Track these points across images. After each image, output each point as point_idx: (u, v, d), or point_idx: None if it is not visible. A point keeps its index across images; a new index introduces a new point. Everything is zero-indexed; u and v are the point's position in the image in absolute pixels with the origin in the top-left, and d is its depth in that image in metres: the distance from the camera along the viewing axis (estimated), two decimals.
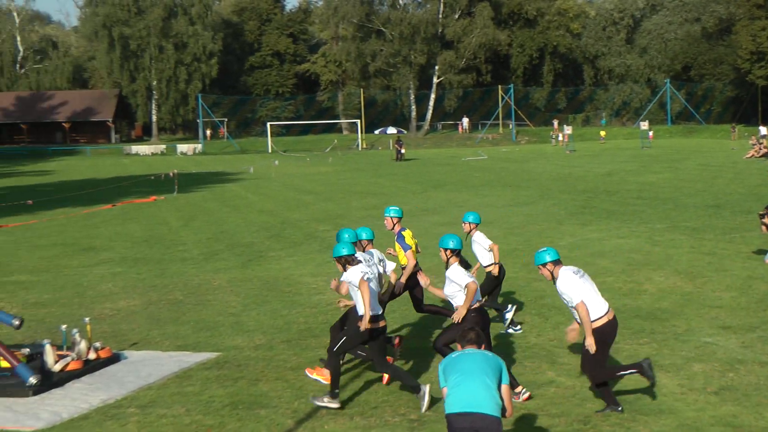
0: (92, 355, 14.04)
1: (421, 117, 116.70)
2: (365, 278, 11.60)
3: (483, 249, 15.51)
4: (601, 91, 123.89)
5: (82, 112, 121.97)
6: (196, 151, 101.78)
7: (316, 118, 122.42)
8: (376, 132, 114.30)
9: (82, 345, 14.02)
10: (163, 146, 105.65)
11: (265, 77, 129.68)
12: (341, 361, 12.13)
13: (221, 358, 14.32)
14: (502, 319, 15.41)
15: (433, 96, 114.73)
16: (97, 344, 14.25)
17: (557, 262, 11.19)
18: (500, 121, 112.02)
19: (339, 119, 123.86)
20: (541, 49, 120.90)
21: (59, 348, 14.28)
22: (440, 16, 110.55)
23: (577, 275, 11.04)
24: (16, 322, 13.52)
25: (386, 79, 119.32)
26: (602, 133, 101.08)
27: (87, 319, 14.61)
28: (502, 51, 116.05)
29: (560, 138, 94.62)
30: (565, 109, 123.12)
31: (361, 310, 11.66)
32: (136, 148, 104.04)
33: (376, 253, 14.05)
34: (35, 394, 12.67)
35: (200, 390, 12.65)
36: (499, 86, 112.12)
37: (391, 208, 15.52)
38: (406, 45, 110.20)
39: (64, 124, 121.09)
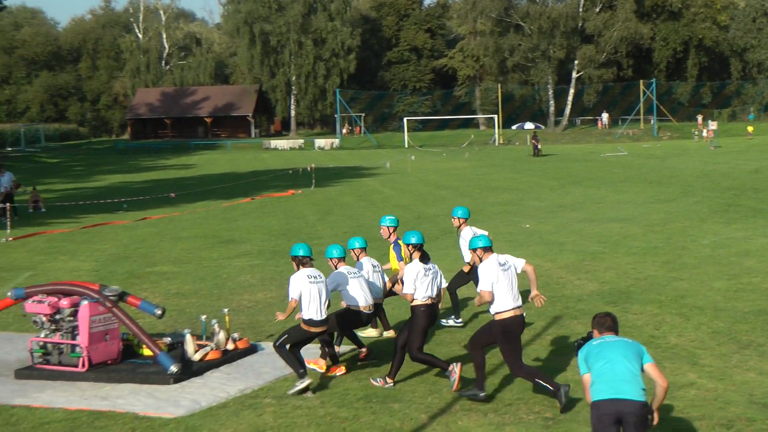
0: (230, 346, 14.25)
1: (559, 112, 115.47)
2: (301, 282, 12.49)
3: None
4: (749, 85, 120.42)
5: (223, 107, 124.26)
6: (334, 146, 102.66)
7: (453, 113, 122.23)
8: (514, 127, 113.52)
9: (221, 335, 14.25)
10: (301, 141, 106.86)
11: (403, 72, 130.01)
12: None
13: (356, 351, 14.37)
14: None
15: (572, 91, 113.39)
16: (236, 335, 14.45)
17: (487, 249, 11.75)
18: (641, 117, 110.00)
19: (476, 114, 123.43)
20: (685, 42, 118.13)
21: (199, 338, 14.54)
22: (580, 9, 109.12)
23: (501, 267, 11.58)
24: (159, 312, 13.82)
25: (524, 74, 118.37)
26: (750, 128, 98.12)
27: (226, 310, 14.84)
28: (644, 44, 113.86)
29: (704, 134, 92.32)
30: (710, 104, 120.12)
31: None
32: (274, 143, 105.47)
33: (367, 262, 14.56)
34: (176, 382, 12.92)
35: (335, 382, 12.72)
36: (641, 81, 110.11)
37: (387, 217, 15.82)
38: (545, 39, 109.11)
39: (206, 118, 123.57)
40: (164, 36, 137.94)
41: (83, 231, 32.26)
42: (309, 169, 51.96)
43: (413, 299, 12.38)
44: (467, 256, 15.76)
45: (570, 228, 28.43)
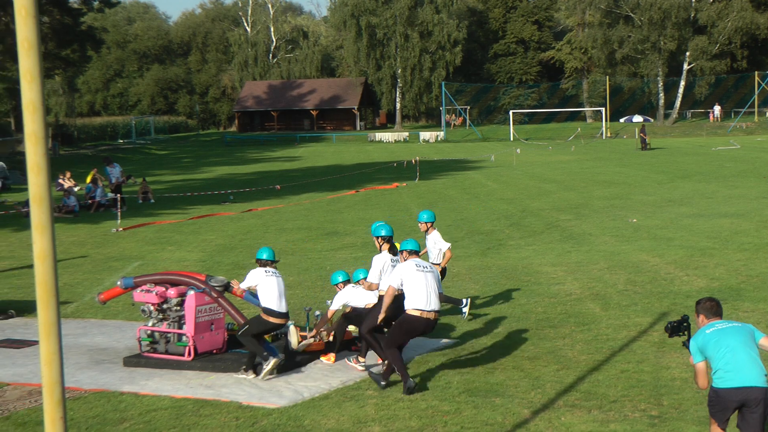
0: (332, 338, 14.32)
1: (669, 105, 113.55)
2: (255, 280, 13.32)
3: (435, 248, 15.94)
4: None
5: (329, 99, 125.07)
6: (439, 139, 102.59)
7: (560, 106, 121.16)
8: (621, 120, 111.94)
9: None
10: (406, 133, 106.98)
11: (509, 65, 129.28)
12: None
13: (458, 345, 14.34)
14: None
15: (682, 83, 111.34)
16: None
17: (412, 252, 12.67)
18: (755, 109, 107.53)
19: (583, 107, 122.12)
20: None
21: (302, 329, 14.64)
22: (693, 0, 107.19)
23: (417, 268, 12.36)
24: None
25: (633, 66, 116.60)
26: None
27: (329, 301, 14.92)
28: (760, 35, 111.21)
29: None
30: None
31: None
32: (379, 135, 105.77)
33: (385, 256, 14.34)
34: (279, 372, 13.04)
35: (437, 376, 12.70)
36: (756, 72, 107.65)
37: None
38: (655, 31, 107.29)
39: (311, 111, 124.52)
40: (272, 29, 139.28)
41: (191, 222, 32.79)
42: (413, 161, 52.01)
43: (378, 289, 13.38)
44: (432, 258, 16.35)
45: (679, 223, 27.96)
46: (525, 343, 14.34)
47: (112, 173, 39.28)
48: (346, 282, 14.54)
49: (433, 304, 12.29)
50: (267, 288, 13.15)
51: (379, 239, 13.93)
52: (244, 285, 13.48)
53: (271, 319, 13.07)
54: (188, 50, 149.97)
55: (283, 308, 13.13)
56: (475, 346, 14.19)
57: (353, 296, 14.02)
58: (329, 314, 14.13)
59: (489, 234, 27.24)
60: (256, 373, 12.95)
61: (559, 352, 13.67)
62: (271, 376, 12.85)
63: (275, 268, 13.56)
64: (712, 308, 8.98)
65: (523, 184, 43.95)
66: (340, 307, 14.10)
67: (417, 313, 12.24)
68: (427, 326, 12.34)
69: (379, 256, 13.71)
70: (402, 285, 12.45)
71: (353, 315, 13.96)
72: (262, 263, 13.51)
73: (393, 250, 13.65)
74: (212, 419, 11.05)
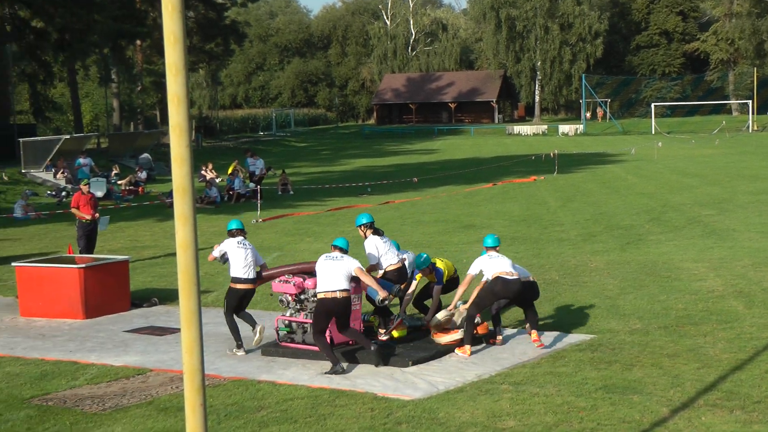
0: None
1: None
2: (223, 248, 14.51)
3: (374, 253, 15.05)
4: None
5: (467, 92, 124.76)
6: (578, 132, 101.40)
7: (704, 98, 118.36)
8: None
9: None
10: (545, 126, 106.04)
11: (652, 57, 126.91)
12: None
13: (595, 341, 14.16)
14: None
15: None
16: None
17: (338, 248, 13.75)
18: None
19: (728, 100, 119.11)
20: None
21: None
22: None
23: (324, 258, 13.62)
24: (380, 298, 13.97)
25: None
26: None
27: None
28: None
29: None
30: None
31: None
32: (518, 128, 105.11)
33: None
34: (414, 364, 13.09)
35: (573, 371, 12.57)
36: None
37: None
38: None
39: (450, 104, 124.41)
40: (411, 22, 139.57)
41: (328, 214, 33.13)
42: (552, 155, 51.54)
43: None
44: (371, 261, 15.46)
45: None
46: (664, 340, 14.08)
47: (253, 165, 39.98)
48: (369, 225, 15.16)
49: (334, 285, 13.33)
50: (235, 258, 14.34)
51: (362, 227, 15.08)
52: (216, 253, 14.56)
53: (238, 286, 14.26)
54: (328, 43, 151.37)
55: (248, 275, 14.27)
56: (613, 342, 13.99)
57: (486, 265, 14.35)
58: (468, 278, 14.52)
59: (628, 229, 26.81)
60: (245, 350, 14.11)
61: (700, 350, 13.38)
62: (259, 345, 14.21)
63: (244, 237, 14.68)
64: None
65: (665, 179, 43.11)
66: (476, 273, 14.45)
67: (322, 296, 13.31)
68: (335, 305, 13.26)
69: (367, 240, 14.91)
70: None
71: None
72: (232, 233, 14.64)
73: (378, 232, 14.97)
74: (347, 409, 11.15)
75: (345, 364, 13.03)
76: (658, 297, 17.13)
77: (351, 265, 13.45)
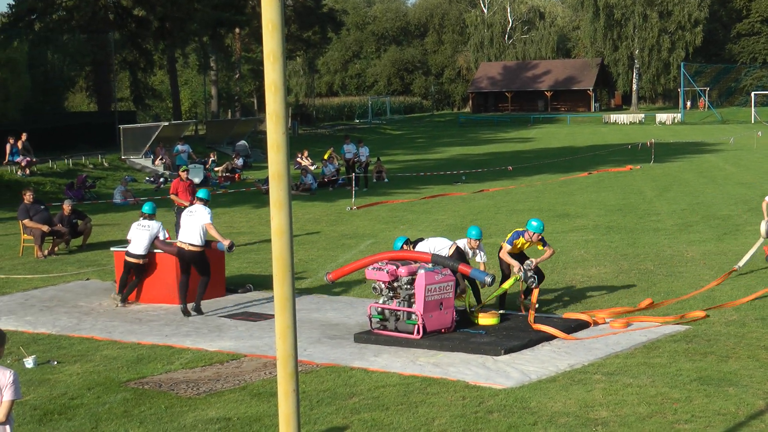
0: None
1: None
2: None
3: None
4: None
5: (563, 81, 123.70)
6: (675, 121, 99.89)
7: None
8: None
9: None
10: (642, 115, 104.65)
11: (752, 45, 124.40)
12: None
13: (690, 332, 14.00)
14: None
15: None
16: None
17: (201, 199, 16.77)
18: None
19: None
20: None
21: None
22: None
23: (187, 212, 16.52)
24: (488, 279, 14.05)
25: None
26: None
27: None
28: None
29: None
30: None
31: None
32: (614, 117, 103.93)
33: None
34: (506, 353, 13.09)
35: (667, 362, 12.45)
36: None
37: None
38: None
39: (546, 92, 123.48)
40: (508, 10, 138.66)
41: (423, 201, 33.19)
42: (648, 144, 50.89)
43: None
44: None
45: None
46: (761, 331, 13.87)
47: (361, 152, 40.20)
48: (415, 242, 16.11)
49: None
50: (130, 235, 17.17)
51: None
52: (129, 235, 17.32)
53: (127, 259, 16.99)
54: (425, 31, 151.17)
55: (134, 250, 16.94)
56: (708, 333, 13.83)
57: None
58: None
59: (725, 219, 26.40)
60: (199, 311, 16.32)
61: None
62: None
63: (149, 219, 17.17)
64: None
65: (764, 168, 42.29)
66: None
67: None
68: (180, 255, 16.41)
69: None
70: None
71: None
72: (141, 215, 17.48)
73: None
74: (439, 397, 11.20)
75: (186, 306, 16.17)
76: (756, 288, 16.85)
77: (203, 219, 16.16)
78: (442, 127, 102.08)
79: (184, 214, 16.65)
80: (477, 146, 67.64)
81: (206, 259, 16.48)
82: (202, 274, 16.37)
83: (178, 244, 16.34)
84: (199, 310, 16.24)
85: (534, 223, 15.58)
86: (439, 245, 15.47)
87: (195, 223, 16.22)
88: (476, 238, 15.75)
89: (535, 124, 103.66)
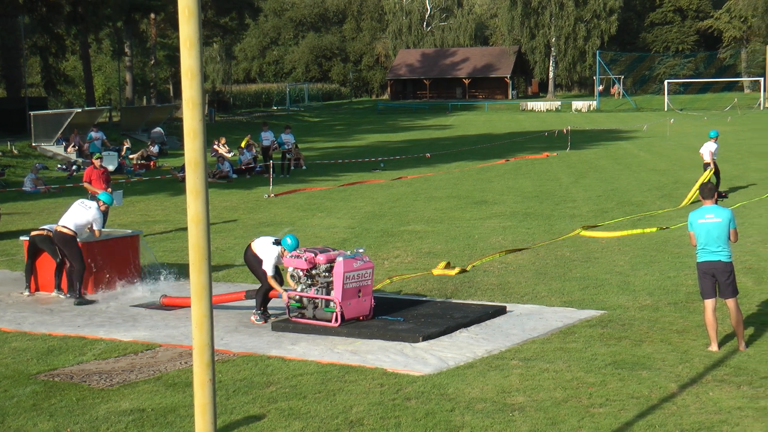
0: None
1: None
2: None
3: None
4: None
5: (481, 68, 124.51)
6: (591, 108, 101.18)
7: (716, 76, 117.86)
8: None
9: None
10: (558, 103, 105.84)
11: (665, 34, 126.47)
12: None
13: (605, 317, 14.17)
14: None
15: None
16: None
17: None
18: None
19: (741, 77, 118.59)
20: None
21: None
22: None
23: (79, 204, 16.73)
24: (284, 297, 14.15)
25: None
26: None
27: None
28: None
29: None
30: None
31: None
32: (531, 104, 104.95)
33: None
34: (424, 339, 13.11)
35: (583, 347, 12.58)
36: None
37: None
38: None
39: (464, 80, 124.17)
40: None
41: (341, 189, 33.16)
42: (565, 131, 51.46)
43: None
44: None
45: None
46: (674, 316, 14.09)
47: (266, 139, 39.98)
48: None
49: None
50: (68, 211, 16.84)
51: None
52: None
53: (57, 229, 16.45)
54: (343, 18, 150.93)
55: (60, 221, 16.47)
56: (623, 318, 14.00)
57: None
58: None
59: (640, 205, 26.80)
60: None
61: None
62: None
63: (90, 200, 17.46)
64: None
65: (677, 155, 43.03)
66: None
67: None
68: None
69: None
70: None
71: None
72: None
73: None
74: (357, 385, 11.18)
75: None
76: (668, 273, 17.13)
77: (92, 219, 16.48)
78: (360, 114, 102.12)
79: (78, 204, 16.66)
80: (395, 133, 67.77)
81: (76, 246, 16.29)
82: (73, 260, 16.17)
83: (56, 228, 16.39)
84: (83, 301, 16.01)
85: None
86: (267, 252, 14.68)
87: (82, 217, 16.39)
88: (289, 250, 14.42)
89: (453, 112, 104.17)
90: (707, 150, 28.84)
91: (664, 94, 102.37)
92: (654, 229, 21.80)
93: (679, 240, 20.33)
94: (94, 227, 16.63)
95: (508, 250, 19.56)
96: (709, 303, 12.33)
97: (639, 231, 21.74)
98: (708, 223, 12.31)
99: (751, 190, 29.80)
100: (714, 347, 12.24)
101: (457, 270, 17.37)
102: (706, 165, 28.69)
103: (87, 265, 16.32)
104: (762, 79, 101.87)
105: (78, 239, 16.41)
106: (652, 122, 68.77)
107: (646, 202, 27.29)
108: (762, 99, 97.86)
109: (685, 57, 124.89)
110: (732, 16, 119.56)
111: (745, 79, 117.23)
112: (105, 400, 10.87)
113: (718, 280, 12.32)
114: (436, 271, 17.38)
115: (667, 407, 10.19)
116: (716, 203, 12.60)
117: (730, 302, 12.28)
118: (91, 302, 16.04)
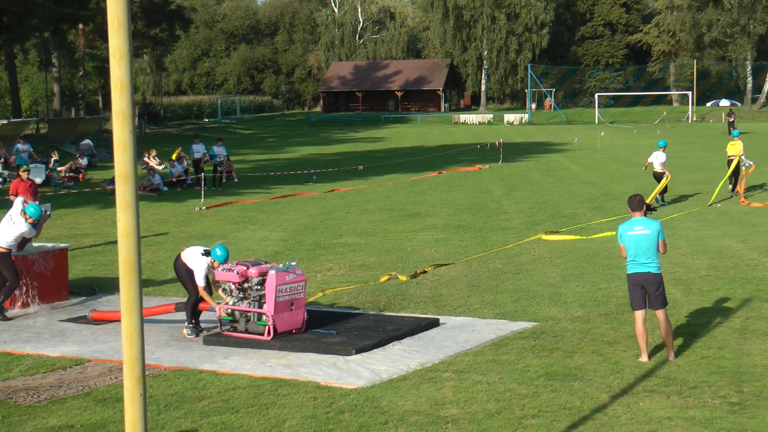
0: None
1: (757, 89, 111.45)
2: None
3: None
4: None
5: (414, 81, 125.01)
6: (523, 121, 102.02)
7: (646, 89, 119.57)
8: (708, 104, 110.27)
9: None
10: (491, 115, 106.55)
11: (596, 48, 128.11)
12: None
13: (537, 329, 14.25)
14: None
15: None
16: None
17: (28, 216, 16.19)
18: None
19: (669, 91, 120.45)
20: None
21: None
22: None
23: (8, 219, 16.15)
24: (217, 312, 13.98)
25: (721, 50, 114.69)
26: None
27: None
28: None
29: None
30: None
31: None
32: (464, 117, 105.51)
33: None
34: (357, 352, 13.08)
35: (515, 359, 12.64)
36: None
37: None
38: (745, 14, 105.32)
39: (396, 92, 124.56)
40: (359, 10, 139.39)
41: (273, 201, 33.02)
42: (497, 144, 51.78)
43: None
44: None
45: (765, 209, 27.48)
46: (605, 327, 14.21)
47: (197, 152, 39.71)
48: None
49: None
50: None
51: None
52: None
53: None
54: (275, 30, 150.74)
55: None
56: (555, 330, 14.10)
57: None
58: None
59: (571, 217, 27.03)
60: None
61: None
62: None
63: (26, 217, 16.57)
64: None
65: (607, 168, 43.51)
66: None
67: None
68: None
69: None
70: None
71: None
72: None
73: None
74: (290, 399, 11.12)
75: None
76: (600, 285, 17.29)
77: (22, 230, 16.13)
78: (292, 126, 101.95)
79: (5, 221, 16.29)
80: (328, 146, 67.73)
81: (10, 262, 16.04)
82: (7, 275, 15.94)
83: None
84: (2, 316, 15.77)
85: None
86: (197, 263, 14.56)
87: (12, 231, 16.06)
88: (219, 261, 14.28)
89: (385, 124, 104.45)
90: (657, 160, 29.49)
91: (594, 107, 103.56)
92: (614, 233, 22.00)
93: (609, 252, 20.52)
94: (27, 237, 16.42)
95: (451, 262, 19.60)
96: (639, 314, 12.45)
97: (607, 234, 22.17)
98: (637, 235, 12.46)
99: (680, 202, 30.22)
100: (644, 358, 12.38)
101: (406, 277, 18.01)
102: (658, 174, 29.28)
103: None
104: (690, 92, 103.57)
105: (12, 255, 16.15)
106: (583, 135, 69.52)
107: (577, 214, 27.53)
108: (690, 112, 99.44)
109: (615, 71, 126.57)
110: (661, 31, 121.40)
111: (674, 93, 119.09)
112: (32, 416, 10.68)
113: (648, 291, 12.45)
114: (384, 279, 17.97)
115: (599, 418, 10.27)
116: (645, 215, 12.76)
117: (660, 313, 12.43)
118: (9, 319, 15.77)
